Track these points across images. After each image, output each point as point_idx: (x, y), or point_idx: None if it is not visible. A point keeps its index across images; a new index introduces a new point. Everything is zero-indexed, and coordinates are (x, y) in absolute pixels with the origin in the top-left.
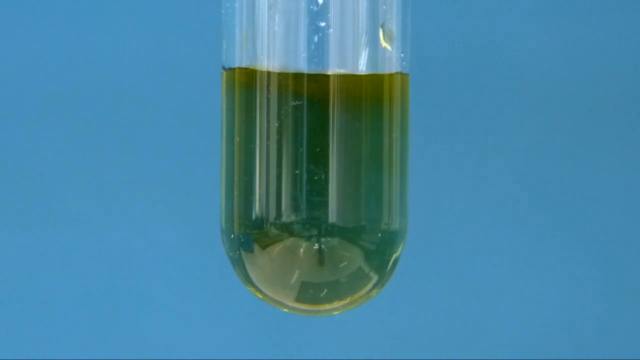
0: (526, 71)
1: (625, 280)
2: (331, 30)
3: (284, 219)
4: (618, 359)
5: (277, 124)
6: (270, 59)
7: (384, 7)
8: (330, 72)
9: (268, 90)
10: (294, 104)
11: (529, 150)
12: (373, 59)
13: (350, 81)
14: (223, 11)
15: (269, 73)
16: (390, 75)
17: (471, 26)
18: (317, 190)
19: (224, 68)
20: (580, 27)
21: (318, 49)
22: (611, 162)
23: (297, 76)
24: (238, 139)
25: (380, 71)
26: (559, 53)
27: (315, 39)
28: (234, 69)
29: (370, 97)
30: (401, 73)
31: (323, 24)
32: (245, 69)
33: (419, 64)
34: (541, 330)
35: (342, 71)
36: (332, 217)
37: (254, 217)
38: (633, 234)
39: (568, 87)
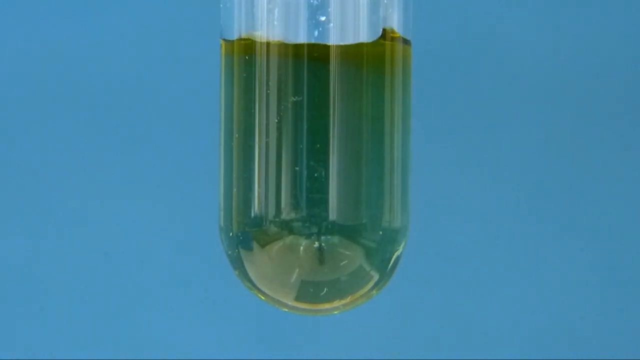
0: (531, 68)
1: (630, 280)
2: (331, 17)
3: (284, 216)
4: (618, 359)
5: (276, 120)
6: (270, 31)
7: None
8: (330, 43)
9: (267, 72)
10: (294, 99)
11: (532, 148)
12: (375, 26)
13: (351, 51)
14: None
15: (268, 44)
16: (392, 43)
17: (474, 22)
18: (317, 186)
19: (223, 39)
20: (590, 20)
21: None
22: (616, 160)
23: (297, 47)
24: (237, 135)
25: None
26: (565, 49)
27: (315, 29)
28: (233, 41)
29: (371, 69)
30: (403, 39)
31: (323, 18)
32: (245, 39)
33: (420, 59)
34: (545, 329)
35: (343, 42)
36: (333, 215)
37: (252, 214)
38: (636, 234)
39: (574, 85)
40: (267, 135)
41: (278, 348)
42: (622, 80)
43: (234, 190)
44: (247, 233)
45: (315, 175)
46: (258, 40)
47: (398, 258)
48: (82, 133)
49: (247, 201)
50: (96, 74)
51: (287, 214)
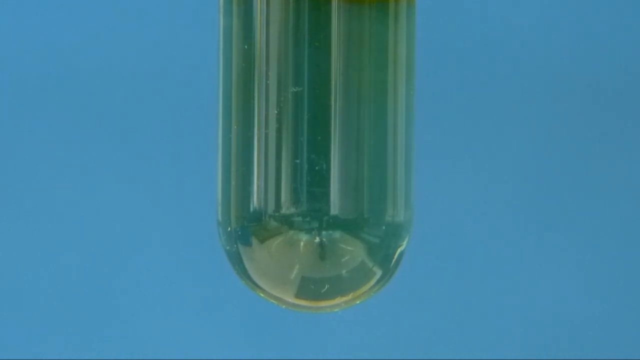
0: (541, 60)
1: (632, 280)
2: None
3: (284, 210)
4: (619, 359)
5: (276, 112)
6: None
7: None
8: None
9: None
10: (294, 90)
11: (541, 142)
12: None
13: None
14: None
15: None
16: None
17: (475, 18)
18: (318, 180)
19: None
20: (601, 12)
21: None
22: (623, 158)
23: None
24: (235, 127)
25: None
26: (576, 43)
27: None
28: None
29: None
30: None
31: None
32: None
33: (423, 55)
34: (552, 328)
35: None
36: (334, 209)
37: (251, 209)
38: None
39: (586, 80)
40: (267, 127)
41: (277, 347)
42: (631, 73)
43: (232, 183)
44: (246, 228)
45: (317, 168)
46: None
47: (402, 254)
48: (72, 125)
49: (245, 194)
50: (87, 65)
51: (287, 208)
